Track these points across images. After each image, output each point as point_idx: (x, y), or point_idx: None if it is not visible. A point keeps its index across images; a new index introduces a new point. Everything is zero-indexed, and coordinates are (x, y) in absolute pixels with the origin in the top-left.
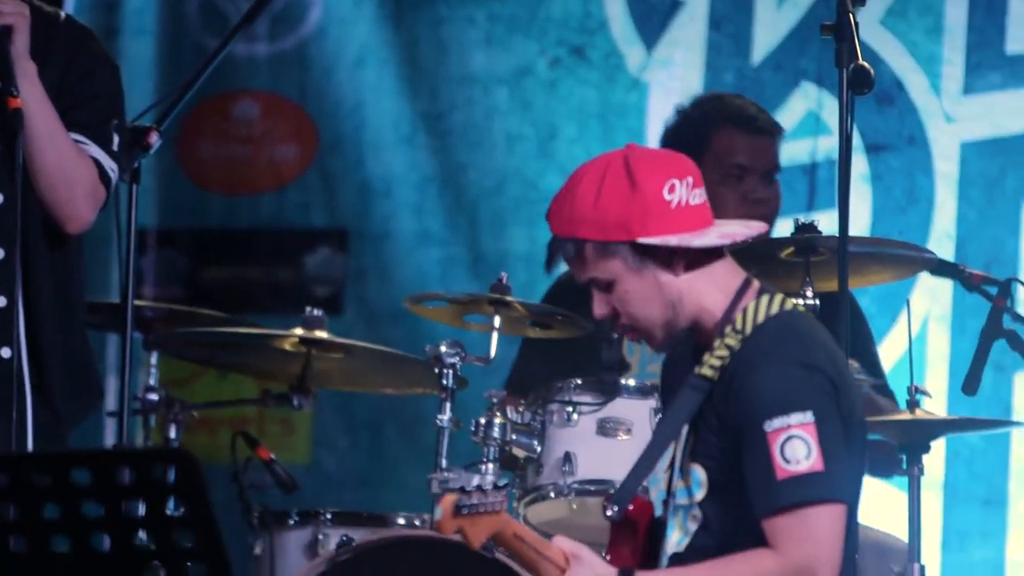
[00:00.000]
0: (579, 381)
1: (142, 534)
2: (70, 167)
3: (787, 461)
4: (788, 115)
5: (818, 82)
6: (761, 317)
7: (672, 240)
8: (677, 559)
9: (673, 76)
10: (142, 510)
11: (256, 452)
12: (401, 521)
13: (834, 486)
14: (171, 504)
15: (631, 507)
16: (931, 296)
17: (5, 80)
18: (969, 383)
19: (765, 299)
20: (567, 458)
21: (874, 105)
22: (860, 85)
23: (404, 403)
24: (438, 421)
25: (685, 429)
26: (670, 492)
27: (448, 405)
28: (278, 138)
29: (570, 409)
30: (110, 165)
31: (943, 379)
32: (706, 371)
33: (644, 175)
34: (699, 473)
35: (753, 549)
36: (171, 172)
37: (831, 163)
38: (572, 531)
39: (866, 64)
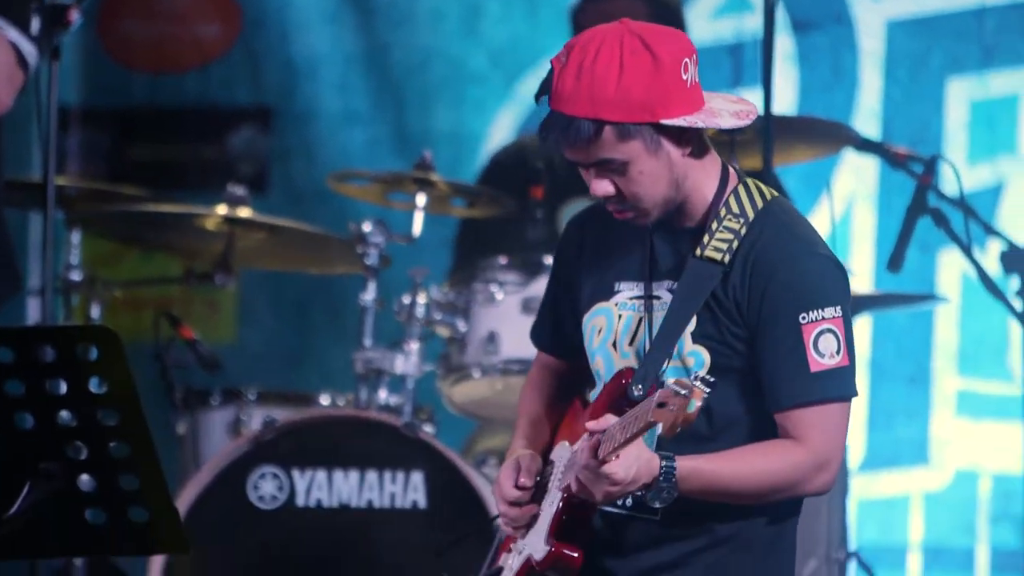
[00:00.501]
0: (503, 260)
1: (65, 413)
2: None
3: (821, 355)
4: None
5: None
6: (759, 202)
7: (699, 122)
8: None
9: None
10: (64, 388)
11: (179, 332)
12: (324, 401)
13: (854, 382)
14: (94, 383)
15: (624, 381)
16: (857, 175)
17: None
18: (894, 260)
19: (752, 183)
20: (491, 337)
21: None
22: None
23: (330, 283)
24: (361, 300)
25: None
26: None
27: (372, 284)
28: (202, 16)
29: (494, 288)
30: (28, 49)
31: (869, 257)
32: (712, 254)
33: (665, 53)
34: (703, 355)
35: (778, 439)
36: (93, 50)
37: (756, 42)
38: (497, 410)
39: None
